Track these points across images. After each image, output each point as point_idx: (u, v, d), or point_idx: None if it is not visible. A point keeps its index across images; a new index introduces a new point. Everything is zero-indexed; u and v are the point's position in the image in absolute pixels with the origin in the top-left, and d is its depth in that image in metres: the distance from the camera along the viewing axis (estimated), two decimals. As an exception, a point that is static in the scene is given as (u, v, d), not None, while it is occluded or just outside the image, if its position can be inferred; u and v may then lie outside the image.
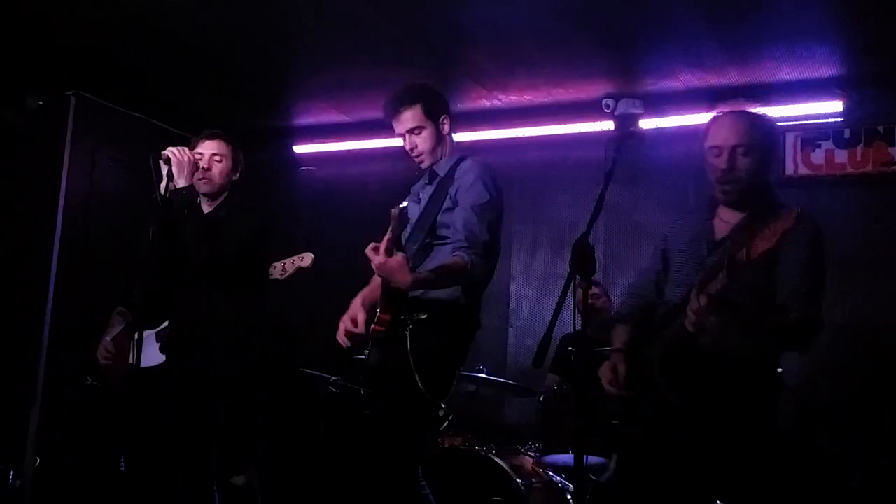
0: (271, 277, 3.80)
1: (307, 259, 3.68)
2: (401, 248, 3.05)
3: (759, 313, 2.65)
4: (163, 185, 3.52)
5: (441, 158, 3.41)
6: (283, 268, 3.69)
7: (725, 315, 2.50)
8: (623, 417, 2.97)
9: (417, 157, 3.41)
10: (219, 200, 3.82)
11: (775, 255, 2.45)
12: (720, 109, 2.98)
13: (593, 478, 3.99)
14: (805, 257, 2.72)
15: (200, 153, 3.75)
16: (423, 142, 3.37)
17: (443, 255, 3.23)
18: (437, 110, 3.38)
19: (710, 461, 2.76)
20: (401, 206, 3.20)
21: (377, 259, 2.95)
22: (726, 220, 2.90)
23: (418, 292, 3.17)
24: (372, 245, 3.01)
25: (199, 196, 3.71)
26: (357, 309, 3.27)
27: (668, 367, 2.78)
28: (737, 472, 2.75)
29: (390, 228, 3.02)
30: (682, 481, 2.78)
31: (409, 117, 3.34)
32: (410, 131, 3.36)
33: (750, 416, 2.76)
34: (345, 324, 3.25)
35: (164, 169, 3.54)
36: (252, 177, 3.95)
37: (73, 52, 5.10)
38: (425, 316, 3.17)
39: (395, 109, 3.36)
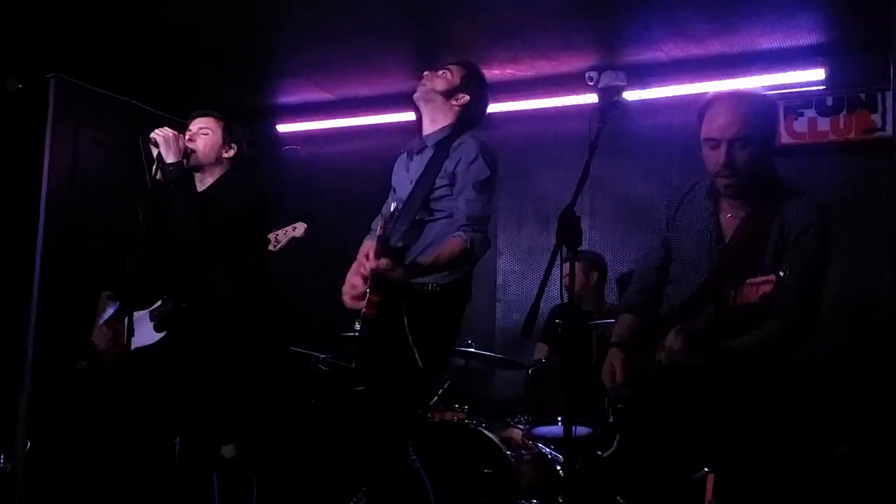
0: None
1: (300, 229, 3.63)
2: (388, 246, 3.11)
3: (739, 341, 2.45)
4: (154, 167, 3.48)
5: (436, 129, 3.39)
6: (275, 238, 3.65)
7: (704, 353, 2.40)
8: (627, 402, 2.97)
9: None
10: (213, 178, 3.75)
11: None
12: (713, 86, 2.79)
13: (599, 453, 4.09)
14: (808, 262, 2.55)
15: (190, 129, 3.70)
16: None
17: (436, 232, 3.23)
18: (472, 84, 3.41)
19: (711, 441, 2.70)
20: (391, 207, 3.21)
21: (368, 265, 3.03)
22: (732, 214, 2.69)
23: None
24: (363, 254, 3.14)
25: (189, 172, 3.64)
26: (354, 277, 3.27)
27: (665, 381, 2.71)
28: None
29: (379, 230, 3.05)
30: (683, 454, 2.77)
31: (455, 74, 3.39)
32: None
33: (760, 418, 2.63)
34: (346, 294, 3.26)
35: (155, 151, 3.50)
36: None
37: (53, 34, 5.05)
38: (419, 293, 3.17)
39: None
